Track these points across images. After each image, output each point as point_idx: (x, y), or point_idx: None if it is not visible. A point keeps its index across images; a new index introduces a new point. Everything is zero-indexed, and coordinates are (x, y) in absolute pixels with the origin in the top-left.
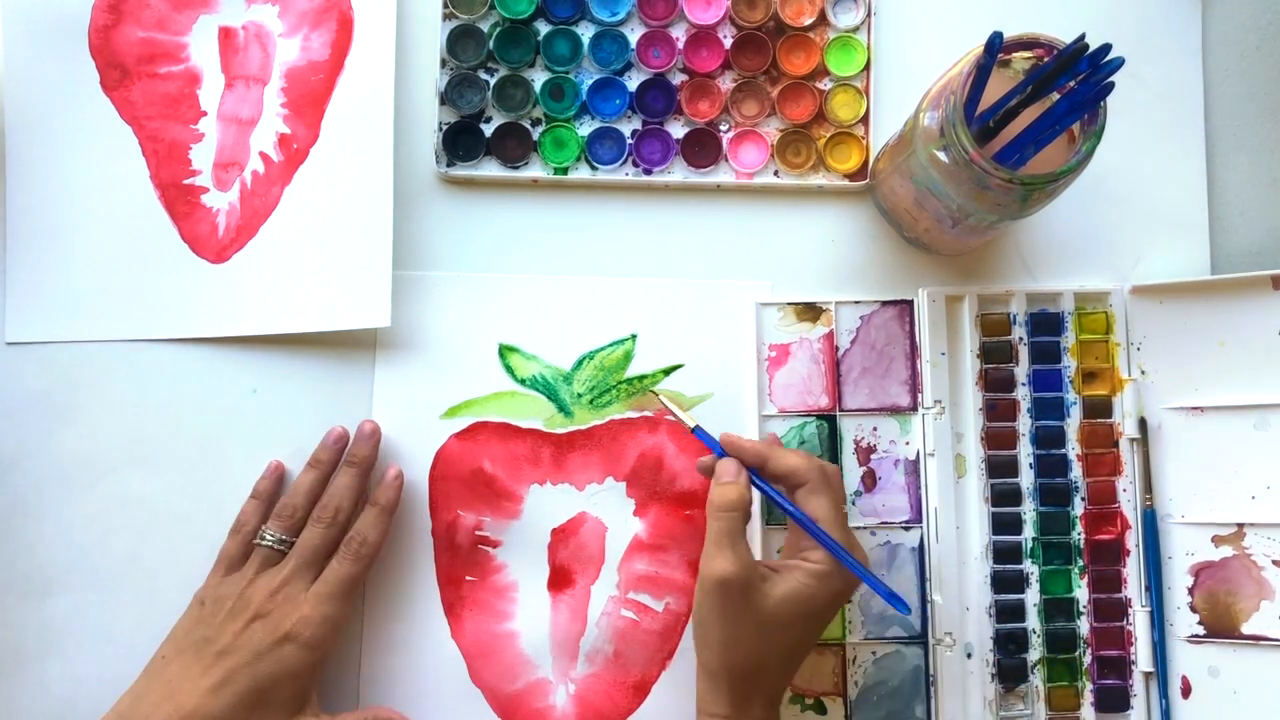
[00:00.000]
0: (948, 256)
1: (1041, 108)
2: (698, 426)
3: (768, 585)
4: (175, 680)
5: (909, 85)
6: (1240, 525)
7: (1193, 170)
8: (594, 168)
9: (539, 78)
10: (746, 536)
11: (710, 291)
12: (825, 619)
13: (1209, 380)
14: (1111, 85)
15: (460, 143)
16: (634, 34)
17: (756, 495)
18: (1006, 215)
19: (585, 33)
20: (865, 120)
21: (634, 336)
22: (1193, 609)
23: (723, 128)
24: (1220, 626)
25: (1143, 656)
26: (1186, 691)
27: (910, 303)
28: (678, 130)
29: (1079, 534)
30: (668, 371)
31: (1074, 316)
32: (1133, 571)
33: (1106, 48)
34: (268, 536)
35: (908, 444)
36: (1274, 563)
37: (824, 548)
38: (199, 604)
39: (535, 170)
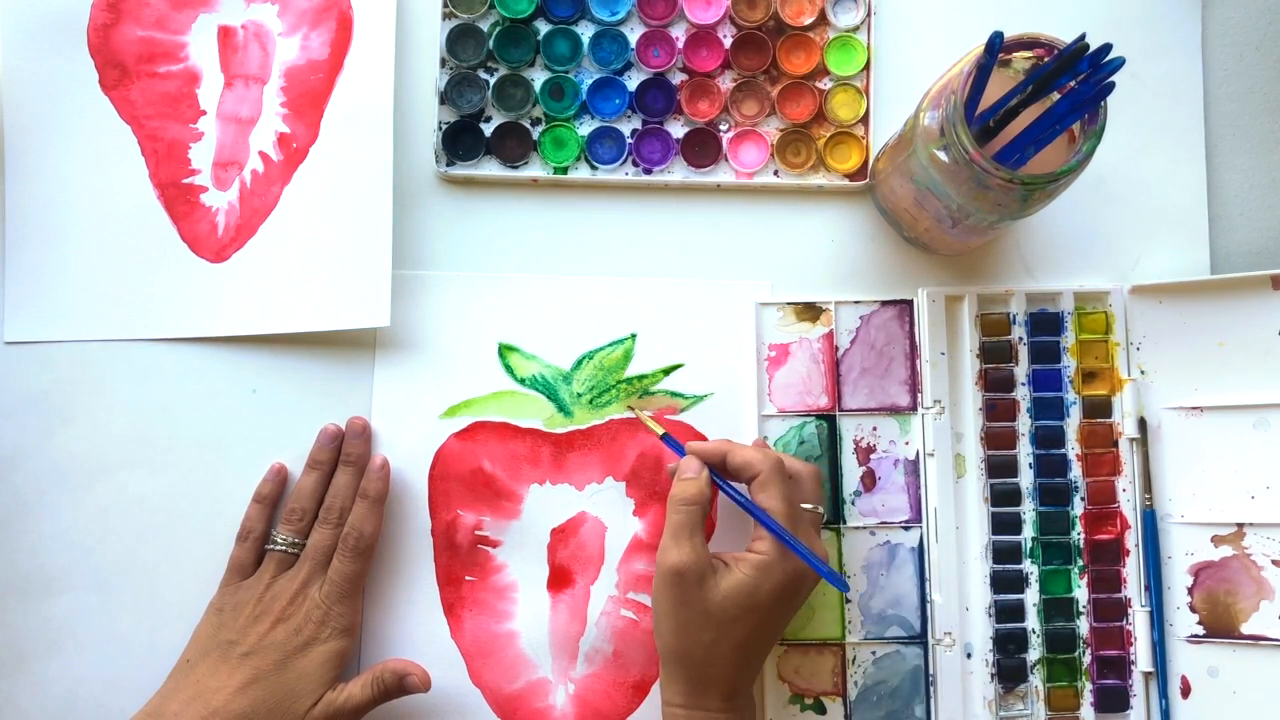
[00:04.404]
0: (948, 256)
1: (1041, 108)
2: (666, 434)
3: (718, 577)
4: (203, 680)
5: (909, 85)
6: (1240, 525)
7: (1193, 170)
8: (594, 167)
9: (539, 77)
10: (703, 531)
11: (710, 291)
12: (775, 614)
13: (1209, 380)
14: (1112, 85)
15: (460, 142)
16: (634, 33)
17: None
18: (1006, 215)
19: (585, 32)
20: (865, 120)
21: (634, 336)
22: (1192, 609)
23: (723, 127)
24: (1220, 626)
25: (1142, 656)
26: (1186, 691)
27: (910, 303)
28: (678, 130)
29: (1079, 534)
30: (667, 371)
31: (1074, 316)
32: (1132, 571)
33: (1107, 47)
34: (279, 540)
35: (907, 444)
36: (1274, 563)
37: (768, 539)
38: (217, 611)
39: (535, 170)
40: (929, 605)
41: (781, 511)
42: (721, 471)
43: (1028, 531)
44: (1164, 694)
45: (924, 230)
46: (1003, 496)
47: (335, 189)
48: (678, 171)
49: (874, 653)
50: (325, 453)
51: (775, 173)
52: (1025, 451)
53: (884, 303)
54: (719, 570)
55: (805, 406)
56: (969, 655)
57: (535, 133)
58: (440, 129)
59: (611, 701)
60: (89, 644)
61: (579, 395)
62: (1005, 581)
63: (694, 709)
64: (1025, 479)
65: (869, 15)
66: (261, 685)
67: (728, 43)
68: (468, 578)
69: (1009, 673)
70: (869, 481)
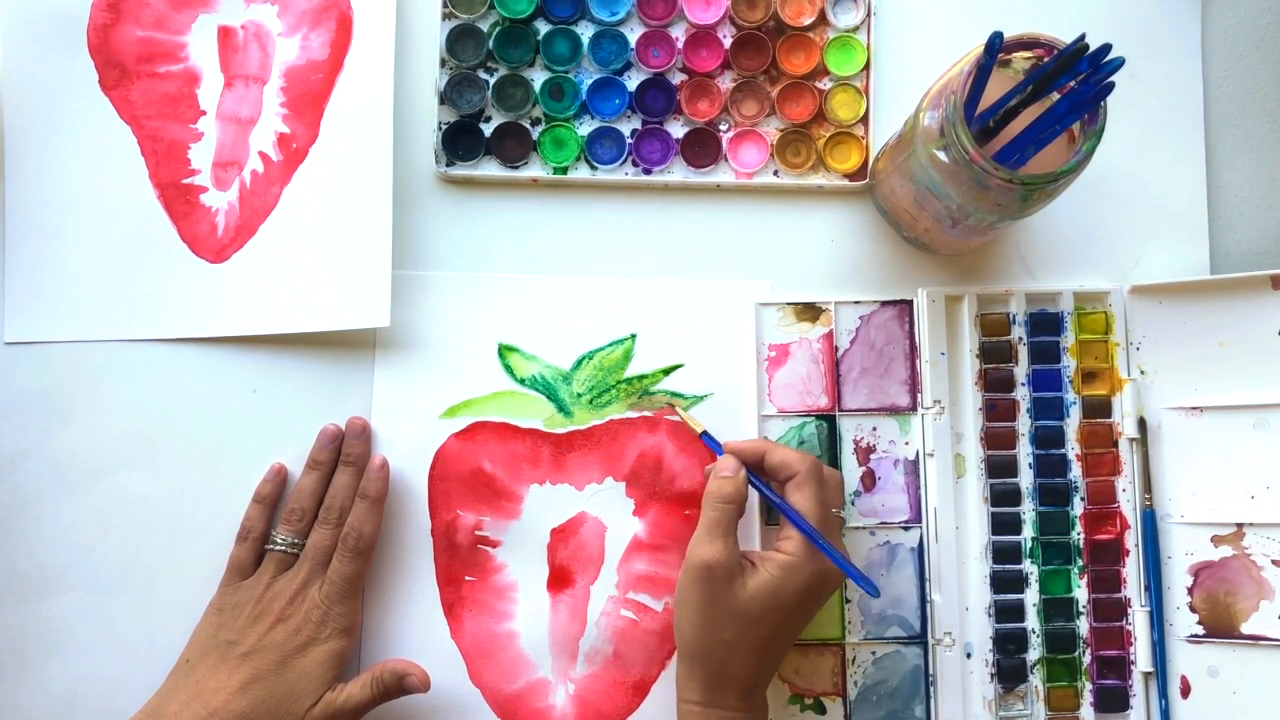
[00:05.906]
0: (947, 256)
1: (1041, 108)
2: (705, 432)
3: (745, 576)
4: (202, 681)
5: (909, 85)
6: (1240, 525)
7: (1193, 170)
8: (594, 167)
9: (539, 77)
10: (736, 530)
11: (710, 291)
12: (797, 614)
13: (1208, 380)
14: (1112, 85)
15: (460, 142)
16: (633, 34)
17: (753, 495)
18: (1006, 215)
19: (585, 32)
20: (865, 120)
21: (633, 336)
22: (1192, 609)
23: (722, 127)
24: (1220, 626)
25: (1142, 656)
26: (1186, 691)
27: (910, 303)
28: (677, 130)
29: (1078, 534)
30: (667, 371)
31: (1073, 316)
32: (1132, 571)
33: (1106, 48)
34: (279, 540)
35: (907, 444)
36: (1273, 562)
37: (795, 539)
38: (216, 611)
39: (535, 170)
40: (929, 605)
41: (814, 513)
42: (758, 470)
43: (1028, 531)
44: (1164, 694)
45: (924, 230)
46: (1003, 496)
47: (335, 189)
48: (677, 171)
49: (874, 653)
50: (325, 453)
51: (775, 173)
52: (1025, 451)
53: (884, 303)
54: (746, 570)
55: (805, 407)
56: (969, 655)
57: (535, 133)
58: (440, 129)
59: (611, 701)
60: (89, 644)
61: (579, 395)
62: (1005, 581)
63: (711, 707)
64: (1025, 479)
65: (869, 15)
66: (261, 685)
67: (727, 43)
68: (468, 578)
69: (1009, 673)
70: (869, 481)
